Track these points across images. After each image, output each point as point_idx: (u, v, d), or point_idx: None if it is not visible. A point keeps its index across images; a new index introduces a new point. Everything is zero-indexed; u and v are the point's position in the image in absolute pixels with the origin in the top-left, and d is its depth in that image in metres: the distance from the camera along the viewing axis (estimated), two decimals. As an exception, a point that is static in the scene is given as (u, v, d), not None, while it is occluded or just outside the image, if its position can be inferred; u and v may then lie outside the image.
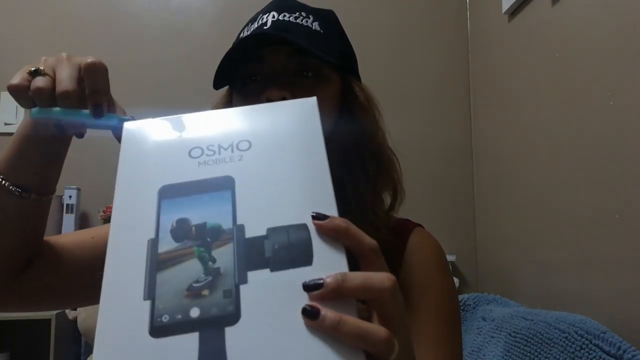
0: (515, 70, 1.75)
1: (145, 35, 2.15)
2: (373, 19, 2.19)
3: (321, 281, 0.31)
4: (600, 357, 1.01)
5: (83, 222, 2.01)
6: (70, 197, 1.90)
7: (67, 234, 0.67)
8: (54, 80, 0.47)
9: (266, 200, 0.34)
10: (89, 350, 1.77)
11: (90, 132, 0.50)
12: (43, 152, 0.54)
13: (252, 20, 0.65)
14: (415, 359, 0.36)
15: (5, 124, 2.06)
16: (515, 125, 1.75)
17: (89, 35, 2.14)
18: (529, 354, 1.19)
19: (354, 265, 0.33)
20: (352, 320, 0.30)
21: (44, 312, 1.70)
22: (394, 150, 0.69)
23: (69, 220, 1.89)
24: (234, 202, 0.34)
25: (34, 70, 0.47)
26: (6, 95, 2.07)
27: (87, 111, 0.47)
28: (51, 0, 2.15)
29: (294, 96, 0.58)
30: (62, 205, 1.89)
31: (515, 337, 1.26)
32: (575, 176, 1.37)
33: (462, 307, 1.61)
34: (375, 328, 0.30)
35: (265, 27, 0.61)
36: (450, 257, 2.00)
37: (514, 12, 1.74)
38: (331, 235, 0.33)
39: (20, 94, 0.47)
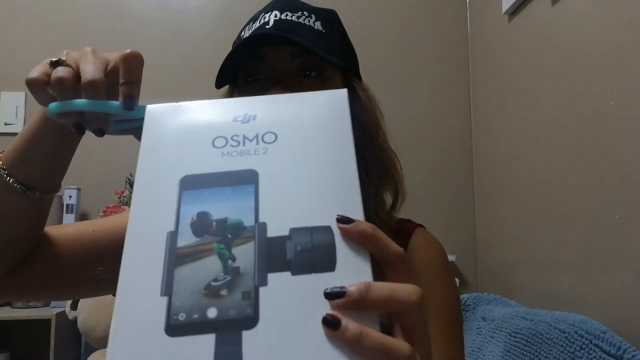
0: (515, 70, 1.75)
1: (145, 35, 2.15)
2: (373, 19, 2.19)
3: (344, 290, 0.29)
4: (600, 357, 1.01)
5: (83, 222, 2.01)
6: (70, 197, 1.90)
7: (67, 226, 0.66)
8: (77, 72, 0.43)
9: (290, 198, 0.33)
10: (89, 350, 1.76)
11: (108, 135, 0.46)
12: (52, 151, 0.53)
13: (254, 19, 0.64)
14: None
15: (6, 124, 2.06)
16: (515, 125, 1.75)
17: (88, 35, 2.14)
18: (529, 354, 1.19)
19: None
20: (374, 335, 0.28)
21: (44, 312, 1.71)
22: (394, 149, 0.69)
23: (69, 220, 1.89)
24: (256, 198, 0.33)
25: (55, 60, 0.44)
26: (6, 95, 2.07)
27: (115, 103, 0.42)
28: (51, 1, 2.15)
29: None
30: (62, 205, 1.89)
31: (515, 337, 1.26)
32: (575, 176, 1.37)
33: (462, 307, 1.61)
34: (399, 344, 0.29)
35: (267, 27, 0.60)
36: (450, 257, 1.99)
37: (514, 12, 1.74)
38: (356, 240, 0.31)
39: (39, 88, 0.44)
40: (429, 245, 0.68)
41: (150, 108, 0.38)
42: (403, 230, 0.68)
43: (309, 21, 0.62)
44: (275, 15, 0.61)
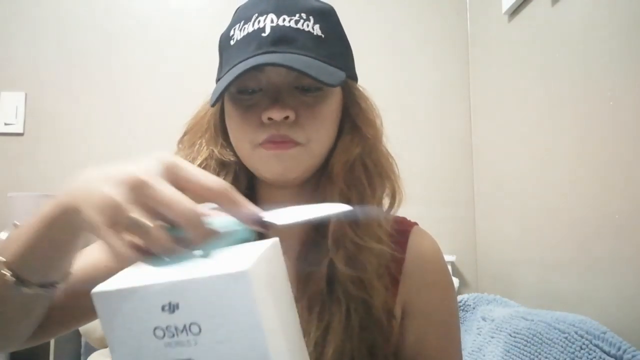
0: (515, 70, 1.75)
1: (146, 35, 2.15)
2: (372, 19, 2.19)
3: None
4: (600, 357, 1.01)
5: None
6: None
7: None
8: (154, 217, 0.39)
9: None
10: (89, 350, 1.77)
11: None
12: (70, 249, 0.49)
13: (247, 20, 0.60)
14: None
15: (6, 124, 2.06)
16: (515, 125, 1.75)
17: (89, 35, 2.14)
18: (529, 354, 1.19)
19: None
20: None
21: (44, 312, 1.71)
22: (394, 149, 0.69)
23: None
24: None
25: (133, 222, 0.38)
26: (6, 96, 2.07)
27: (244, 229, 0.42)
28: (51, 1, 2.15)
29: (297, 114, 0.58)
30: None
31: (515, 337, 1.26)
32: (575, 176, 1.37)
33: (462, 307, 1.61)
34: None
35: (263, 35, 0.57)
36: (450, 257, 2.00)
37: (514, 12, 1.74)
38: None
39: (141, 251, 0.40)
40: (427, 249, 0.68)
41: (97, 293, 0.40)
42: (400, 233, 0.67)
43: (308, 25, 0.59)
44: (272, 21, 0.58)
